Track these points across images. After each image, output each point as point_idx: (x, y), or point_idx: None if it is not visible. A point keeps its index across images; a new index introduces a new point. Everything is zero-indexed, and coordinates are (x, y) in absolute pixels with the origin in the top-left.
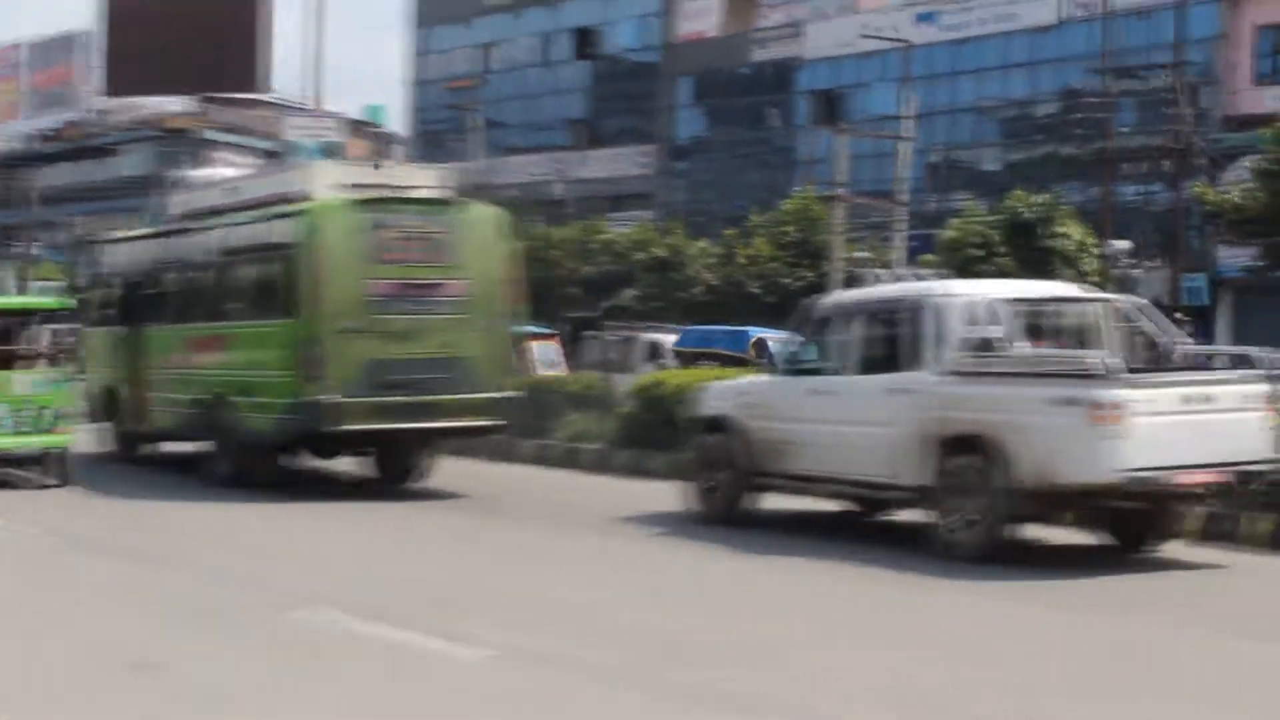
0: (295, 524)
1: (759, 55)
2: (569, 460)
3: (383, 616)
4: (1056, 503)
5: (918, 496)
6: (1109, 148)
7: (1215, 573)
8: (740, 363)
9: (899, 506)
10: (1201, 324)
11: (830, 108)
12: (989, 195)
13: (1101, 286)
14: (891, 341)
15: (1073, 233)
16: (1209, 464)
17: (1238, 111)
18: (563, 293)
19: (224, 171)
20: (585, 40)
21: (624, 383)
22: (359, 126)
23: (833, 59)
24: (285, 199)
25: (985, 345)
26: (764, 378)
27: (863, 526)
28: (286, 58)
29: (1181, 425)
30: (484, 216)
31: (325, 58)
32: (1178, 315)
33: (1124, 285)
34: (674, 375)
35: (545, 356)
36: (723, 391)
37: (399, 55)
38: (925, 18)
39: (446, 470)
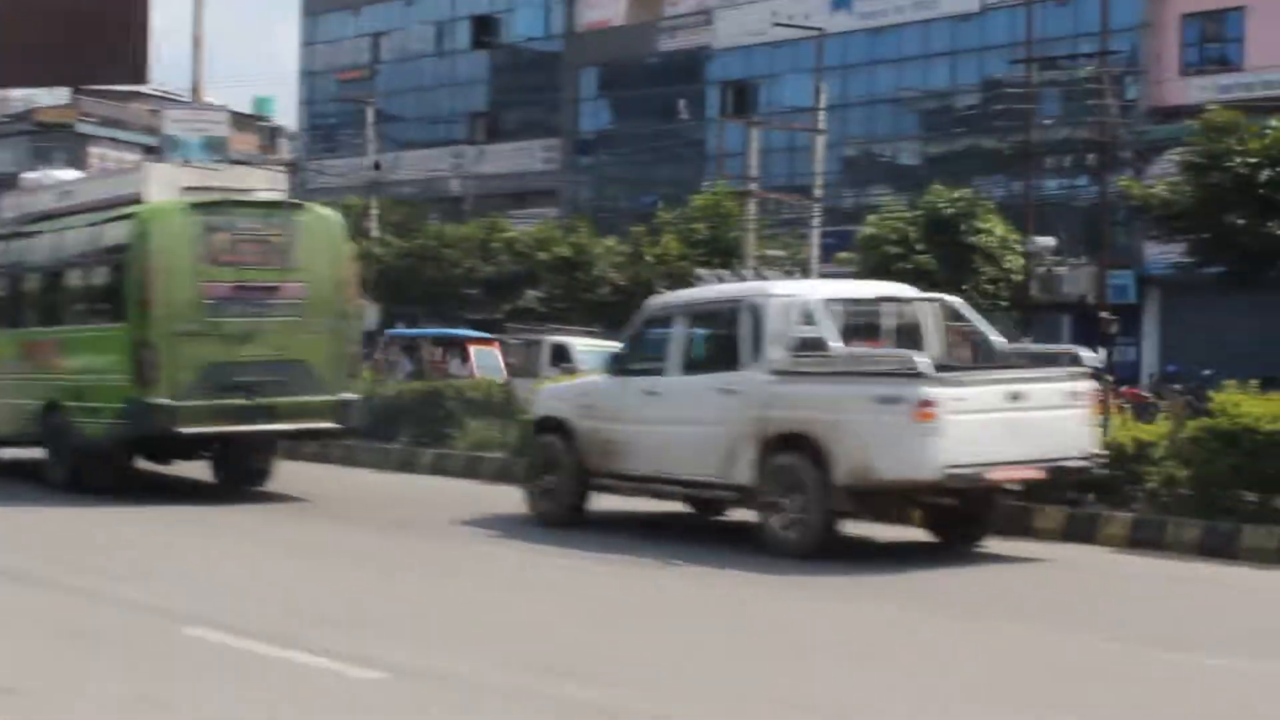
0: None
1: (667, 45)
2: (470, 470)
3: (263, 633)
4: (878, 499)
5: (746, 496)
6: (1032, 140)
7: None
8: None
9: (730, 506)
10: (1128, 322)
11: (742, 99)
12: (908, 190)
13: (1025, 284)
14: (719, 342)
15: (995, 229)
16: (1026, 460)
17: (1164, 102)
18: (462, 294)
19: (58, 174)
20: (483, 29)
21: (527, 388)
22: (246, 120)
23: (744, 48)
24: (119, 202)
25: (809, 345)
26: (600, 378)
27: (701, 526)
28: (177, 48)
29: (998, 422)
30: (322, 219)
31: (206, 47)
32: (1103, 314)
33: (1048, 283)
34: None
35: (486, 362)
36: (559, 392)
37: (290, 45)
38: (841, 4)
39: (305, 477)
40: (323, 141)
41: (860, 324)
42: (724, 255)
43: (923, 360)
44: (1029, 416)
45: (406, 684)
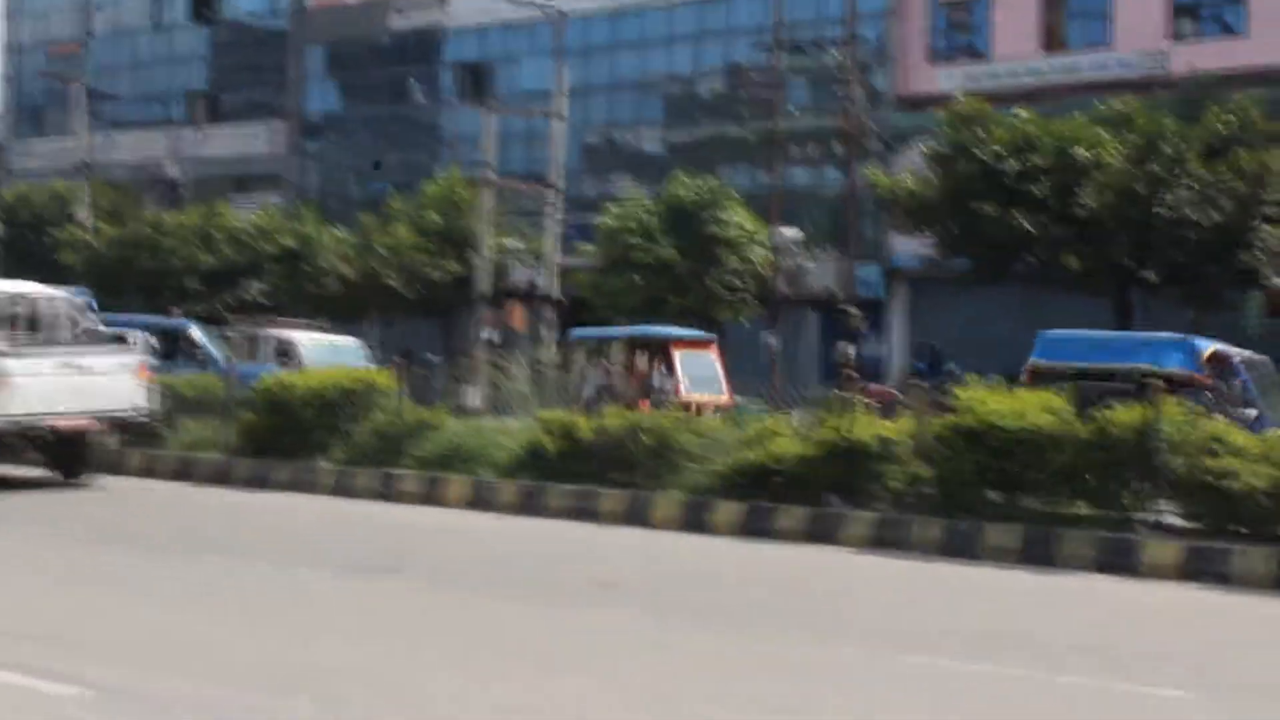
0: None
1: (399, 23)
2: (184, 472)
3: None
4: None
5: None
6: (778, 129)
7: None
8: (1186, 386)
9: None
10: (875, 318)
11: (478, 82)
12: (650, 179)
13: (770, 277)
14: None
15: (739, 220)
16: (81, 412)
17: (911, 91)
18: (179, 285)
19: None
20: (202, 1)
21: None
22: None
23: (480, 28)
24: None
25: None
26: None
27: None
28: None
29: (59, 385)
30: None
31: None
32: (849, 309)
33: (794, 276)
34: (307, 377)
35: (699, 372)
36: None
37: None
38: None
39: None
40: (30, 121)
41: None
42: (459, 247)
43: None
44: (86, 381)
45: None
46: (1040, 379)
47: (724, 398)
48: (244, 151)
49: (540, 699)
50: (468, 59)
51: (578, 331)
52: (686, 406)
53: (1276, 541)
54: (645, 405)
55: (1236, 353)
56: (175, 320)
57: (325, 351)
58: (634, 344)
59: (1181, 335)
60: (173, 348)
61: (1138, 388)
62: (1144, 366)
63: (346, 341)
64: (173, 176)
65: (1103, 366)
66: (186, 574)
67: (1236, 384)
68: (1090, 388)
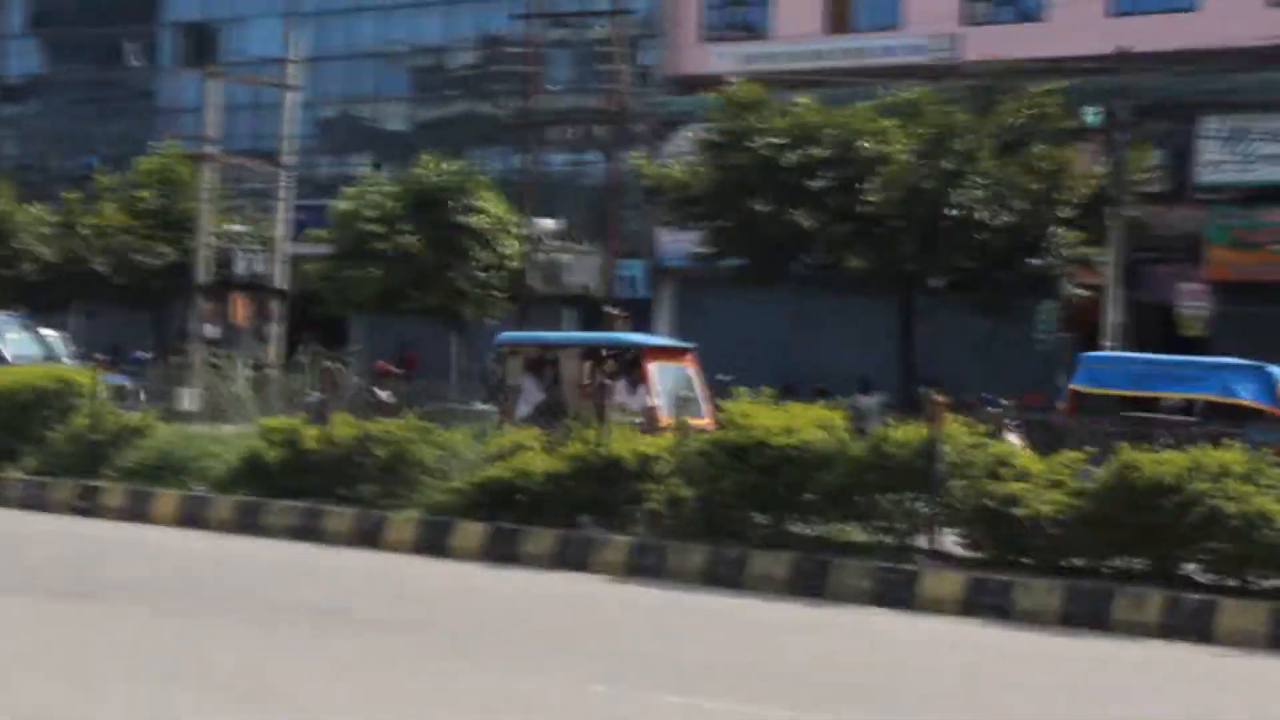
0: None
1: None
2: None
3: None
4: None
5: None
6: (535, 108)
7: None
8: (1253, 418)
9: None
10: (639, 320)
11: (200, 45)
12: (393, 160)
13: (523, 272)
14: None
15: (490, 208)
16: None
17: (683, 71)
18: None
19: None
20: None
21: None
22: None
23: None
24: None
25: None
26: None
27: None
28: None
29: None
30: None
31: None
32: (609, 309)
33: (549, 271)
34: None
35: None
36: None
37: None
38: None
39: None
40: None
41: None
42: (176, 230)
43: None
44: None
45: None
46: (1084, 407)
47: (706, 420)
48: None
49: None
50: (189, 19)
51: (508, 335)
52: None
53: (1063, 574)
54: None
55: None
56: None
57: (31, 345)
58: (592, 353)
59: (1256, 362)
60: None
61: (1199, 420)
62: (1211, 396)
63: (49, 334)
64: None
65: (1159, 395)
66: None
67: None
68: (1143, 420)
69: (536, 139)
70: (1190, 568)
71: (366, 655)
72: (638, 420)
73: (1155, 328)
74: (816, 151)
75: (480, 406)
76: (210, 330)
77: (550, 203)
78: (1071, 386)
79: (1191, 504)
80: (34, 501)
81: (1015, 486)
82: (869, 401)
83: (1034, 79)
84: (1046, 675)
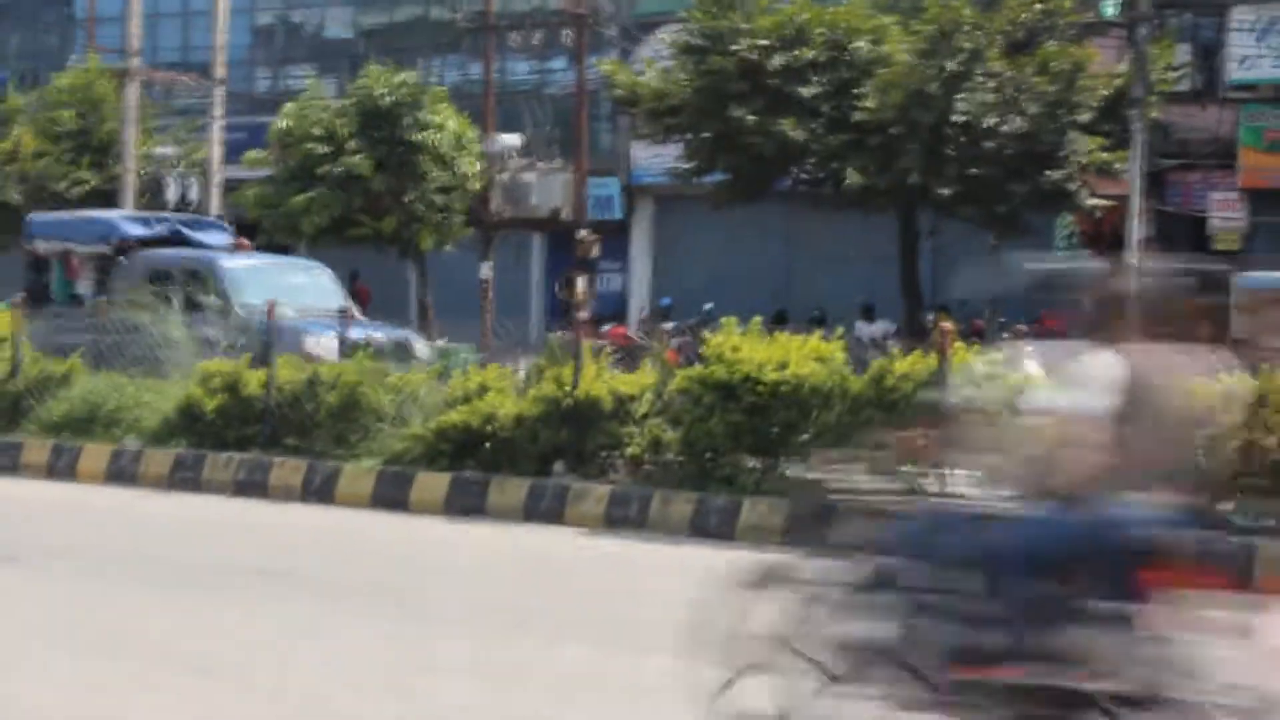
0: None
1: None
2: None
3: None
4: None
5: None
6: (493, 12)
7: None
8: None
9: None
10: (613, 243)
11: None
12: (338, 72)
13: (484, 194)
14: None
15: (447, 123)
16: None
17: None
18: None
19: None
20: None
21: None
22: None
23: None
24: None
25: None
26: None
27: None
28: None
29: None
30: None
31: None
32: (582, 232)
33: (513, 192)
34: None
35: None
36: None
37: None
38: None
39: None
40: None
41: None
42: (99, 154)
43: None
44: None
45: None
46: None
47: None
48: None
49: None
50: None
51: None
52: None
53: None
54: None
55: None
56: None
57: None
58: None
59: None
60: None
61: None
62: None
63: None
64: None
65: None
66: None
67: None
68: None
69: (496, 45)
70: None
71: (318, 620)
72: None
73: (1184, 241)
74: (806, 53)
75: (442, 344)
76: None
77: (512, 117)
78: None
79: None
80: None
81: None
82: (871, 329)
83: None
84: None
